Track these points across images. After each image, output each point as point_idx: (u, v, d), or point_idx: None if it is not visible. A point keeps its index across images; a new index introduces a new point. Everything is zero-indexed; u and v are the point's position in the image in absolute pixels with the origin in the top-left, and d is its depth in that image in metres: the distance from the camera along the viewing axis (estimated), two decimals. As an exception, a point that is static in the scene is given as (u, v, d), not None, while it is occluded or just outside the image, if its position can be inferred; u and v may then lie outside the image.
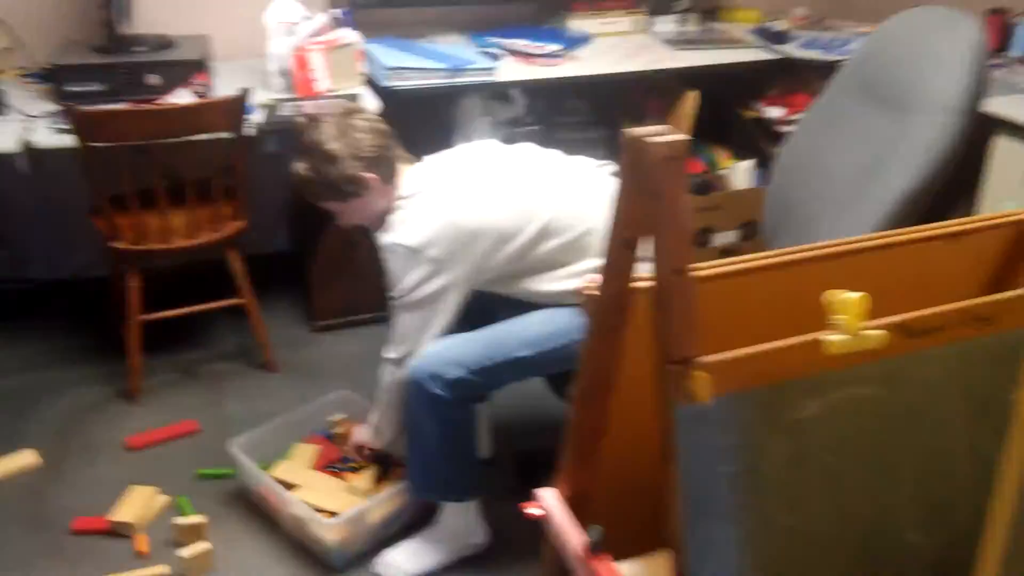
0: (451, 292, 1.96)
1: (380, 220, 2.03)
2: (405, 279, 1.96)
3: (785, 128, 3.11)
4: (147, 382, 2.76)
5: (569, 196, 2.02)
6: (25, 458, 2.43)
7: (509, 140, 3.13)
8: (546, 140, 3.21)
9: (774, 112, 3.23)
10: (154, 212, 2.62)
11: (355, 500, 2.22)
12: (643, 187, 1.07)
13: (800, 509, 1.13)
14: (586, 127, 3.35)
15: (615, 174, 2.21)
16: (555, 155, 2.15)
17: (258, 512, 2.29)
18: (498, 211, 1.96)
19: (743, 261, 1.32)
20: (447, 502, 2.12)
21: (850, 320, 1.11)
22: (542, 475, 2.40)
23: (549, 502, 1.35)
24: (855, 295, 1.12)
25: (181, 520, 2.18)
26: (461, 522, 2.14)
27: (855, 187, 2.32)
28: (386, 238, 1.97)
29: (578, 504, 1.35)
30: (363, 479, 2.29)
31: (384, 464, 2.30)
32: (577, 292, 1.28)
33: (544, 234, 1.96)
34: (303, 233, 3.21)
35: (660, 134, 1.05)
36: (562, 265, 1.99)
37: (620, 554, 1.34)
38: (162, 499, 2.32)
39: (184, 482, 2.39)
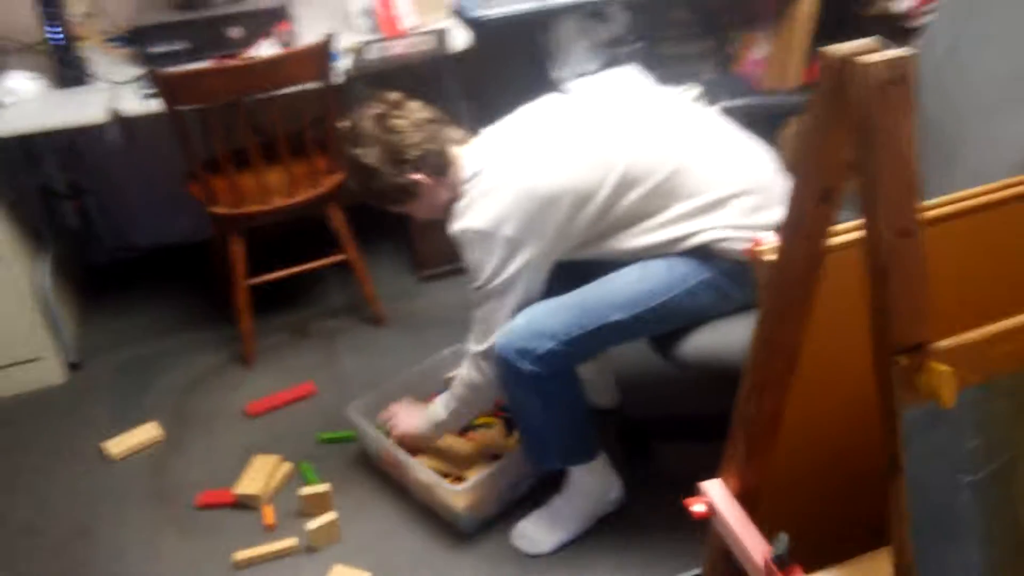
0: (535, 269, 1.70)
1: (450, 210, 1.77)
2: (484, 266, 1.70)
3: (918, 23, 2.66)
4: (260, 344, 2.60)
5: (646, 136, 1.70)
6: (148, 432, 2.32)
7: (610, 62, 2.82)
8: (649, 57, 2.86)
9: (904, 3, 2.77)
10: (249, 172, 2.42)
11: (482, 462, 2.02)
12: (850, 122, 0.77)
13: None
14: (693, 39, 2.96)
15: (699, 98, 1.88)
16: (628, 92, 1.82)
17: (383, 476, 2.12)
18: (569, 170, 1.66)
19: (959, 200, 1.00)
20: (571, 467, 1.89)
21: None
22: (648, 444, 2.19)
23: (717, 498, 1.10)
24: None
25: (306, 490, 2.02)
26: (592, 481, 1.91)
27: (1011, 95, 1.90)
28: (454, 227, 1.72)
29: (751, 501, 1.09)
30: (489, 436, 2.09)
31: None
32: (747, 252, 1.00)
33: (625, 185, 1.65)
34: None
35: (873, 51, 0.75)
36: (651, 215, 1.67)
37: (805, 563, 1.09)
38: (285, 467, 2.17)
39: (306, 447, 2.24)
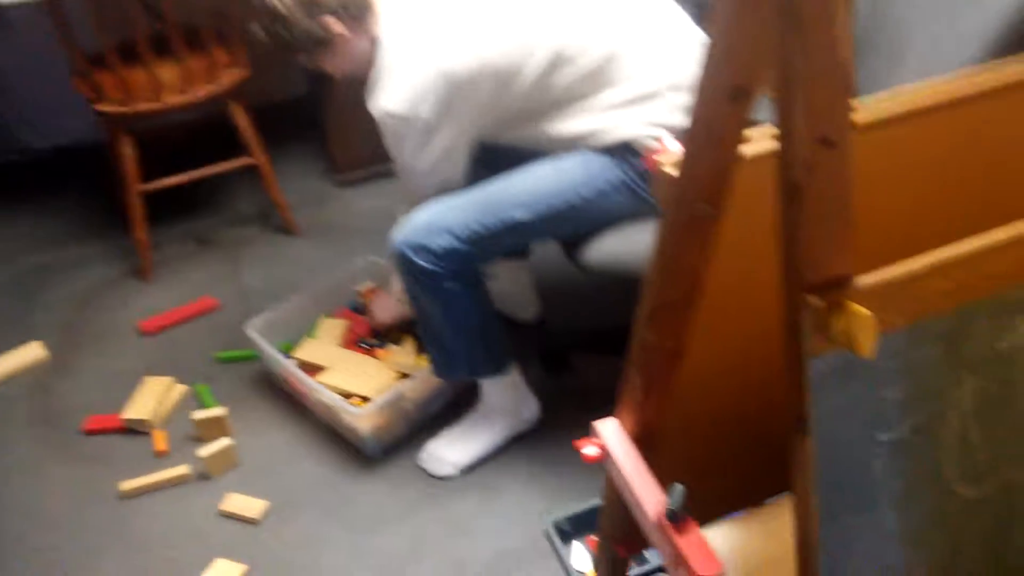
0: (457, 149, 1.56)
1: (369, 63, 1.57)
2: (403, 150, 1.56)
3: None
4: (159, 256, 2.39)
5: (584, 12, 1.52)
6: (32, 352, 2.11)
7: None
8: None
9: None
10: (139, 67, 2.16)
11: (389, 380, 1.88)
12: (770, 5, 0.60)
13: (995, 473, 0.73)
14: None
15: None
16: None
17: (285, 397, 1.97)
18: (495, 45, 1.47)
19: (899, 99, 0.84)
20: (479, 379, 1.76)
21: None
22: (570, 359, 2.06)
23: (611, 440, 0.96)
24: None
25: (200, 414, 1.86)
26: (503, 397, 1.78)
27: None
28: (373, 107, 1.54)
29: (649, 442, 0.96)
30: (399, 355, 1.94)
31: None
32: (646, 160, 0.83)
33: (556, 63, 1.49)
34: (317, 76, 2.70)
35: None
36: (578, 100, 1.52)
37: (701, 511, 0.97)
38: (180, 389, 2.00)
39: (204, 367, 2.06)
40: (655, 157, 0.79)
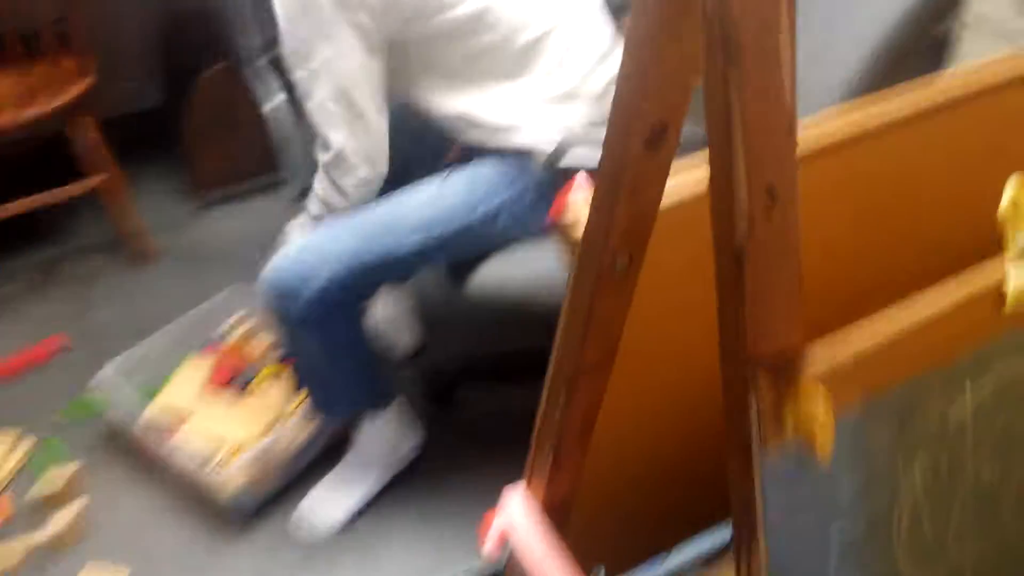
0: (370, 59, 1.35)
1: None
2: (294, 37, 1.34)
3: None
4: (-4, 292, 2.12)
5: None
6: None
7: None
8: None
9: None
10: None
11: (263, 425, 1.69)
12: (696, 24, 0.49)
13: (946, 553, 0.65)
14: None
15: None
16: None
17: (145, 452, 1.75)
18: None
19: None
20: (362, 415, 1.60)
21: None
22: (454, 388, 1.94)
23: (518, 517, 0.84)
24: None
25: (47, 475, 1.63)
26: (382, 435, 1.62)
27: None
28: None
29: (562, 513, 0.85)
30: (272, 394, 1.76)
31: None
32: (551, 215, 0.71)
33: (480, 19, 1.34)
34: (174, 83, 2.48)
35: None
36: (490, 79, 1.40)
37: (624, 560, 0.87)
38: (24, 446, 1.75)
39: (53, 419, 1.81)
40: (559, 212, 0.67)
